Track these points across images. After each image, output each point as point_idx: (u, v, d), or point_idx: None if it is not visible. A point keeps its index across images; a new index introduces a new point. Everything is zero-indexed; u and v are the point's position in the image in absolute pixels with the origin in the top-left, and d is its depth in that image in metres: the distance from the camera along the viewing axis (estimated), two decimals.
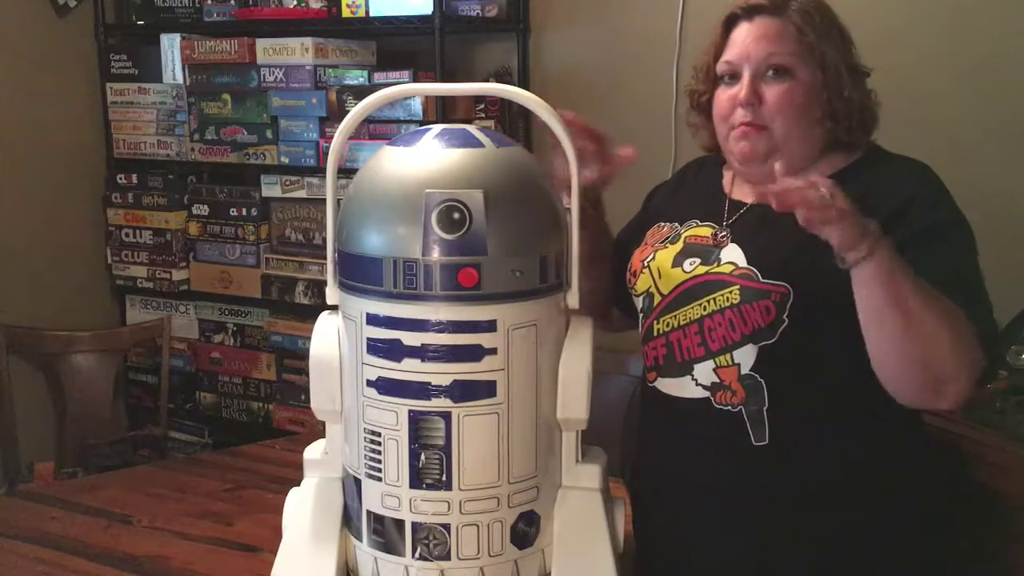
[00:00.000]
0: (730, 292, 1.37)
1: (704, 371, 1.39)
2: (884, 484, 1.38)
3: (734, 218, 1.47)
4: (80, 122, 3.14)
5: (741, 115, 1.42)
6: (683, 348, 1.41)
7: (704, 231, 1.48)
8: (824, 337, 1.34)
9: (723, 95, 1.46)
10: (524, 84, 2.84)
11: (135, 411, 3.25)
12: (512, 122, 2.83)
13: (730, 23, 1.46)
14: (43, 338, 2.85)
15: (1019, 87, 2.33)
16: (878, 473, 1.38)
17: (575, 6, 2.83)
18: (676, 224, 1.52)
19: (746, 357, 1.36)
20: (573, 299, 1.21)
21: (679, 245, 1.48)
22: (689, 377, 1.40)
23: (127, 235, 3.16)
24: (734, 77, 1.44)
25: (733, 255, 1.41)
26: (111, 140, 3.15)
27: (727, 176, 1.55)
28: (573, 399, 1.20)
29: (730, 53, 1.45)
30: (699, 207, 1.52)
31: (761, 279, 1.36)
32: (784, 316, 1.33)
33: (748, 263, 1.38)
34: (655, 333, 1.45)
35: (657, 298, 1.46)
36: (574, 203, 1.20)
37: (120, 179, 3.15)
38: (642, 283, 1.49)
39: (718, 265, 1.41)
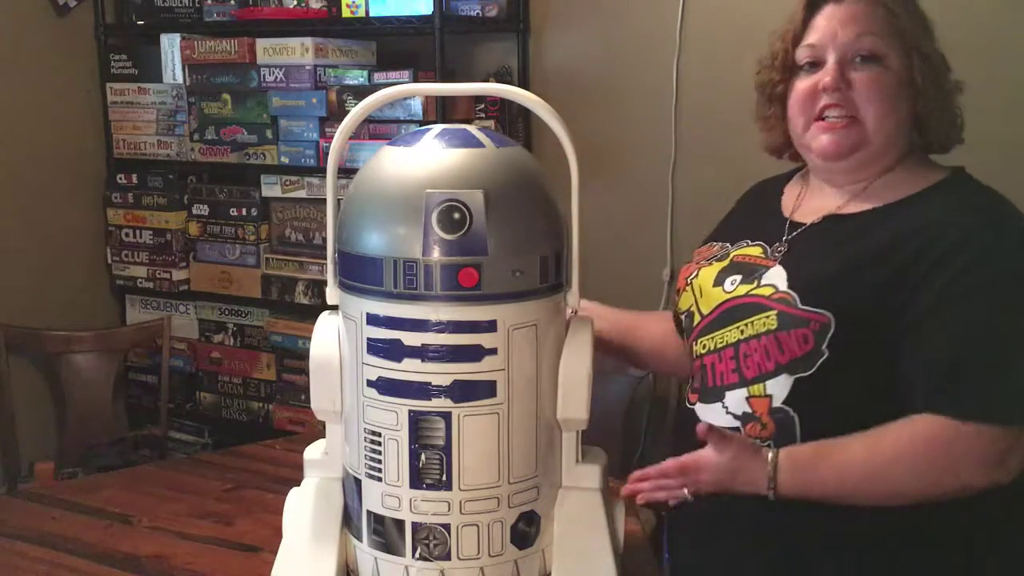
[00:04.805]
0: (767, 317, 1.27)
1: (736, 400, 1.30)
2: (923, 528, 1.25)
3: (789, 238, 1.36)
4: (80, 122, 3.13)
5: (826, 100, 1.30)
6: (716, 373, 1.33)
7: (755, 251, 1.38)
8: (865, 374, 1.23)
9: (802, 84, 1.33)
10: (524, 84, 2.84)
11: (135, 411, 3.24)
12: (512, 122, 2.83)
13: (812, 6, 1.33)
14: (43, 338, 2.85)
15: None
16: (916, 518, 1.23)
17: (575, 6, 2.83)
18: (727, 244, 1.43)
19: (779, 389, 1.25)
20: (573, 299, 1.22)
21: (725, 263, 1.39)
22: (720, 404, 1.31)
23: (127, 235, 3.16)
24: (815, 64, 1.32)
25: (775, 277, 1.30)
26: (111, 140, 3.15)
27: (789, 194, 1.44)
28: (573, 399, 1.20)
29: (813, 36, 1.32)
30: (753, 228, 1.42)
31: (800, 305, 1.25)
32: (823, 347, 1.22)
33: (788, 287, 1.28)
34: (695, 355, 1.37)
35: (697, 317, 1.38)
36: (574, 203, 1.20)
37: (120, 179, 3.15)
38: (684, 301, 1.42)
39: (758, 286, 1.31)
